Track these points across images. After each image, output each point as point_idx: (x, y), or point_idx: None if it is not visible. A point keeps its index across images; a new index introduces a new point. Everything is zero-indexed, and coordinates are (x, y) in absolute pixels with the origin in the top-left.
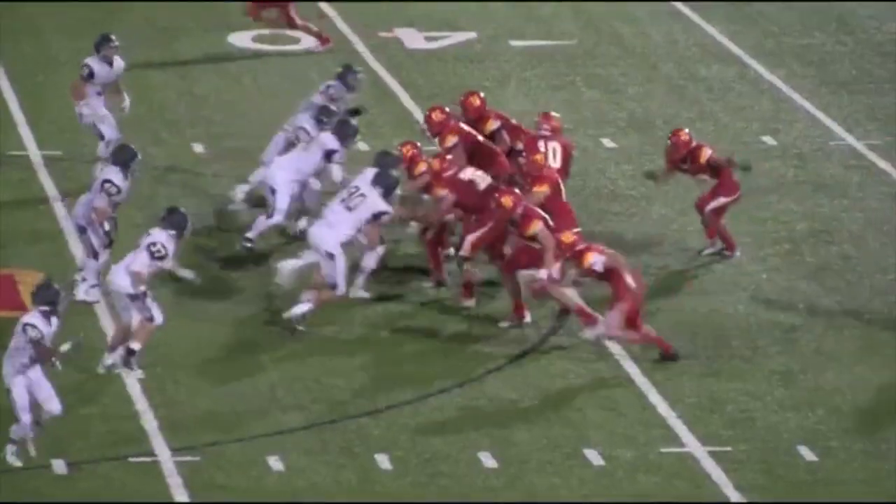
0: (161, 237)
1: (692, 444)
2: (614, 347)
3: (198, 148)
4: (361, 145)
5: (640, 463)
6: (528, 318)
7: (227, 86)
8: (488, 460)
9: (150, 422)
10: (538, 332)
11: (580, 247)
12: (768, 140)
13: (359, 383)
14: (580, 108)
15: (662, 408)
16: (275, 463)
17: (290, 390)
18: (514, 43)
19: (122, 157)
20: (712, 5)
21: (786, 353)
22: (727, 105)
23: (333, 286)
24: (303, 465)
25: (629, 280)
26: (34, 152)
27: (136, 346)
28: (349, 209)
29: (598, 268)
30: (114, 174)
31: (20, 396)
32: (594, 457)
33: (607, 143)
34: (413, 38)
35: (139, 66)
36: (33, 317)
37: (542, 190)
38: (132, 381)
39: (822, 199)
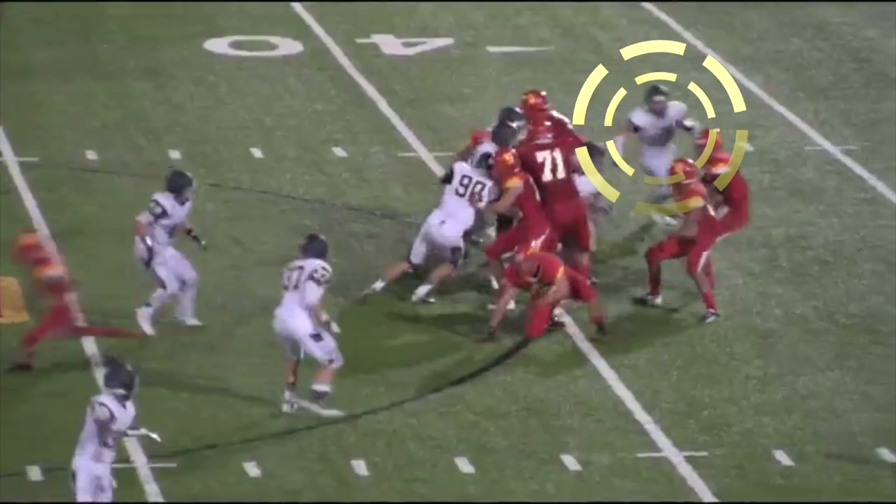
0: (316, 264)
1: (668, 450)
2: (592, 354)
3: (174, 154)
4: (338, 151)
5: (616, 468)
6: (512, 306)
7: (203, 92)
8: (465, 466)
9: None
10: (514, 339)
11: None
12: (745, 146)
13: (335, 389)
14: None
15: (639, 413)
16: (251, 469)
17: (267, 396)
18: (492, 49)
19: (175, 182)
20: (690, 12)
21: (762, 357)
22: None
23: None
24: (279, 471)
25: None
26: (11, 158)
27: (322, 388)
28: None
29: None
30: (163, 196)
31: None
32: (571, 462)
33: None
34: (391, 45)
35: (117, 74)
36: (106, 398)
37: (514, 183)
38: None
39: (798, 205)
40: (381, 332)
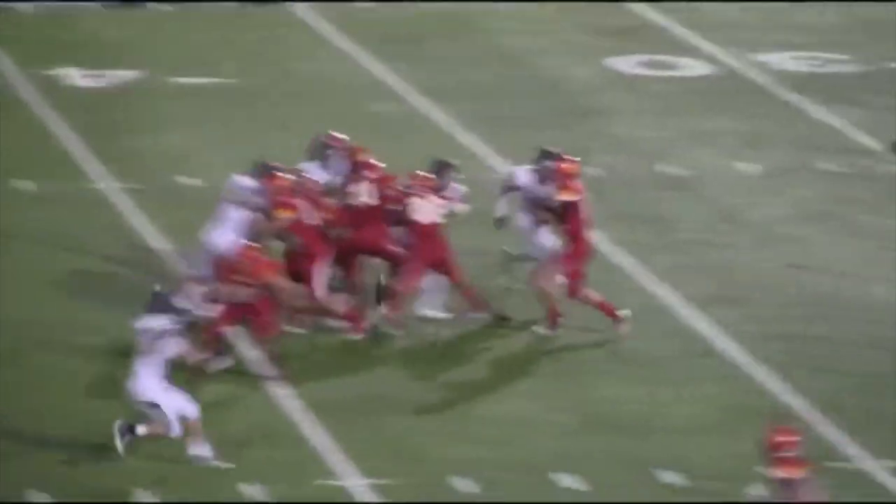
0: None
1: (349, 476)
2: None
3: None
4: (26, 184)
5: (297, 496)
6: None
7: None
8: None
9: None
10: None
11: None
12: None
13: None
14: (242, 142)
15: (324, 440)
16: None
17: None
18: (177, 80)
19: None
20: (378, 45)
21: (446, 387)
22: (390, 139)
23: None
24: None
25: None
26: None
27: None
28: None
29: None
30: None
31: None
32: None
33: None
34: (75, 76)
35: None
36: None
37: (286, 215)
38: None
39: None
40: None
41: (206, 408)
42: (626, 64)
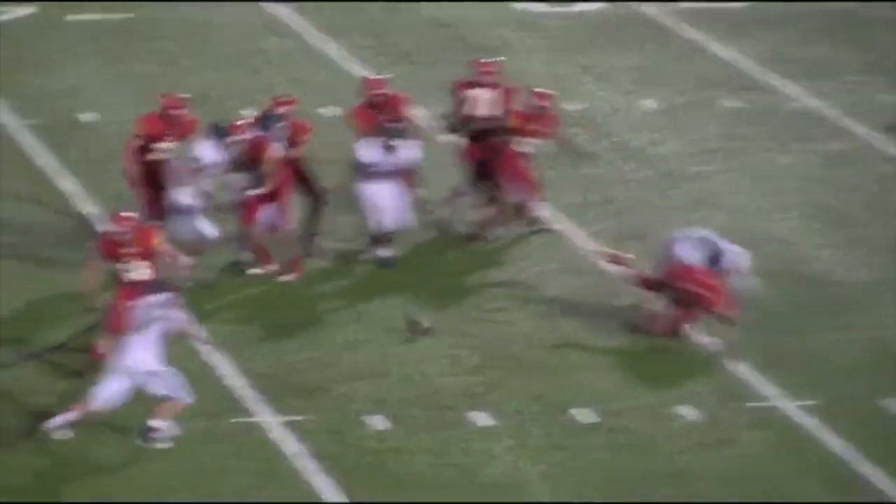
0: None
1: (264, 415)
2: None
3: None
4: None
5: (210, 434)
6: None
7: None
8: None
9: None
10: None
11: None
12: (325, 111)
13: None
14: (133, 82)
15: (234, 378)
16: None
17: None
18: (72, 17)
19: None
20: None
21: (354, 323)
22: (286, 76)
23: None
24: None
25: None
26: None
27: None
28: None
29: None
30: None
31: None
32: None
33: None
34: None
35: None
36: None
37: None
38: None
39: None
40: None
41: None
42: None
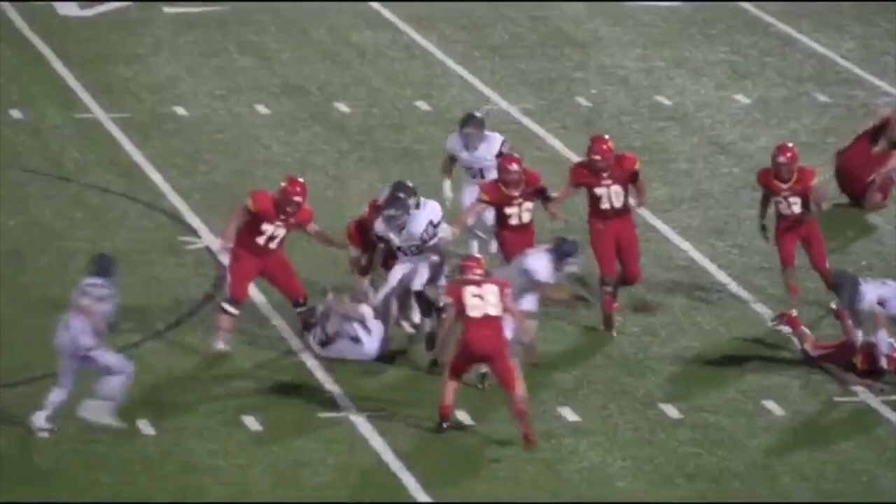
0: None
1: (350, 410)
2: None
3: None
4: (14, 113)
5: (299, 427)
6: None
7: None
8: (146, 428)
9: None
10: (190, 301)
11: None
12: (422, 105)
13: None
14: (233, 74)
15: (320, 373)
16: None
17: None
18: (167, 10)
19: None
20: None
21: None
22: (380, 70)
23: None
24: None
25: None
26: None
27: None
28: None
29: None
30: None
31: None
32: (251, 423)
33: (261, 109)
34: (66, 6)
35: None
36: None
37: None
38: None
39: None
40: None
41: None
42: None
